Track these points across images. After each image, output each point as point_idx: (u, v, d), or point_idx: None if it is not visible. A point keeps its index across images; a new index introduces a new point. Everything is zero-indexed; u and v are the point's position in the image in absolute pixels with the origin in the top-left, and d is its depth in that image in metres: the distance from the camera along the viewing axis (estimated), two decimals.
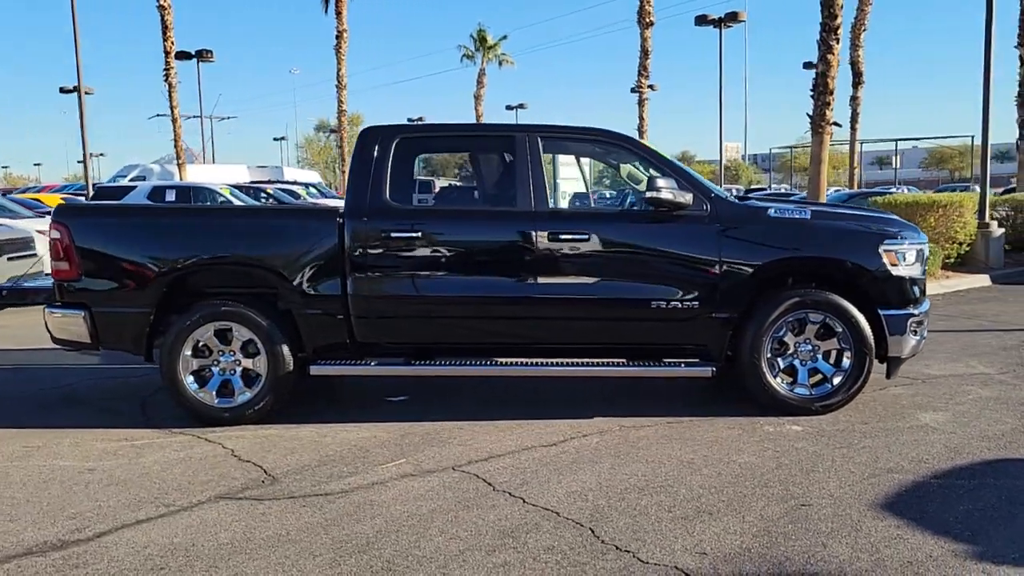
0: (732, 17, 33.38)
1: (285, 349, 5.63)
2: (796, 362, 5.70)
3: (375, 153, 5.72)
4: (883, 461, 4.72)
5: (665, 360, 5.80)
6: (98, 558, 3.62)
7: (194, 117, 46.75)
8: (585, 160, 6.49)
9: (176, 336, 5.61)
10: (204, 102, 49.45)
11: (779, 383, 5.64)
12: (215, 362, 5.71)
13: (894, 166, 56.60)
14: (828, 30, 14.19)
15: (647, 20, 35.99)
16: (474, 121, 41.58)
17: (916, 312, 5.71)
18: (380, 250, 5.61)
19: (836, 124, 16.17)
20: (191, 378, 5.66)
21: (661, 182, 5.46)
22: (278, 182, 30.63)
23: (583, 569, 3.45)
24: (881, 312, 5.62)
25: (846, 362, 5.63)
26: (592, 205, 6.43)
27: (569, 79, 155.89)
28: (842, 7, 14.15)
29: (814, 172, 17.01)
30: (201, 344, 5.65)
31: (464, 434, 5.37)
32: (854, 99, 31.69)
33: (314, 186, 33.56)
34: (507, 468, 4.71)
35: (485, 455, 4.94)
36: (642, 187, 5.76)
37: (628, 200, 6.06)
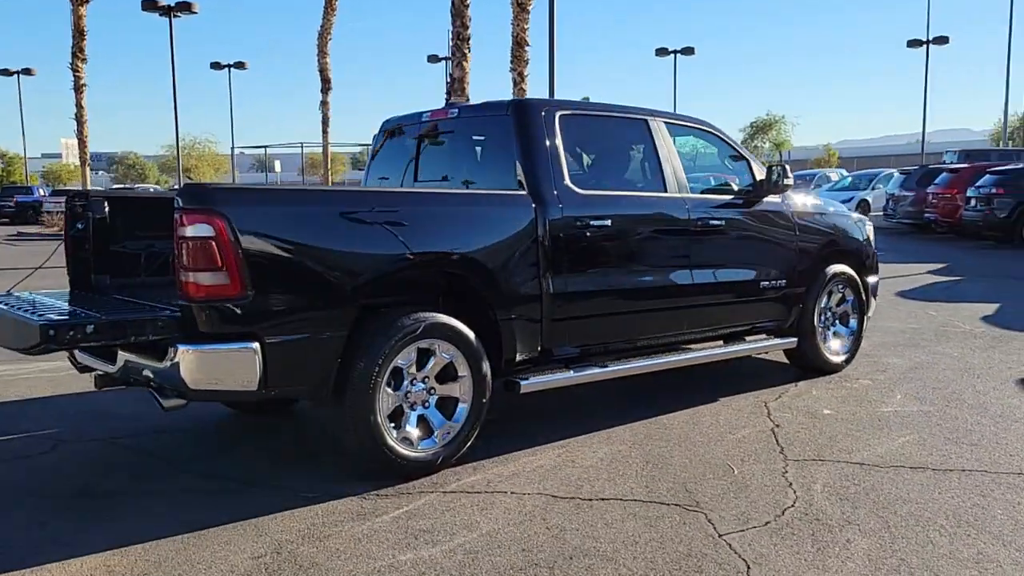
0: (185, 7, 31.76)
1: (488, 367, 4.56)
2: (824, 327, 6.66)
3: (543, 131, 4.93)
4: (981, 383, 6.09)
5: (747, 338, 6.24)
6: None
7: None
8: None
9: (379, 365, 4.10)
10: None
11: (826, 347, 6.54)
12: (407, 394, 4.33)
13: (276, 171, 58.77)
14: (461, 39, 14.94)
15: None
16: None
17: (876, 280, 7.14)
18: (577, 241, 4.91)
19: None
20: (387, 419, 4.21)
21: (788, 167, 5.89)
22: None
23: None
24: (867, 280, 6.91)
25: (853, 323, 6.78)
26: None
27: None
28: (471, 19, 15.07)
29: None
30: (392, 372, 4.24)
31: (680, 433, 5.09)
32: (324, 104, 33.09)
33: None
34: (812, 445, 4.76)
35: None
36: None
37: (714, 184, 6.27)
